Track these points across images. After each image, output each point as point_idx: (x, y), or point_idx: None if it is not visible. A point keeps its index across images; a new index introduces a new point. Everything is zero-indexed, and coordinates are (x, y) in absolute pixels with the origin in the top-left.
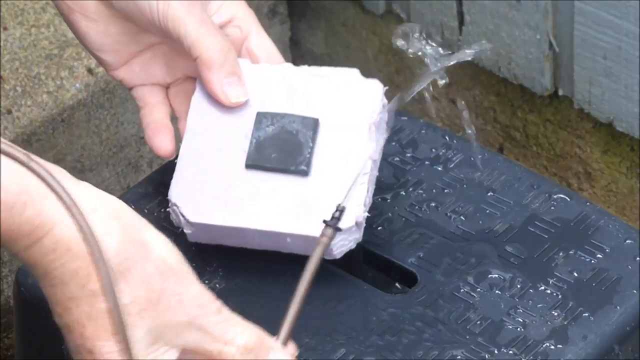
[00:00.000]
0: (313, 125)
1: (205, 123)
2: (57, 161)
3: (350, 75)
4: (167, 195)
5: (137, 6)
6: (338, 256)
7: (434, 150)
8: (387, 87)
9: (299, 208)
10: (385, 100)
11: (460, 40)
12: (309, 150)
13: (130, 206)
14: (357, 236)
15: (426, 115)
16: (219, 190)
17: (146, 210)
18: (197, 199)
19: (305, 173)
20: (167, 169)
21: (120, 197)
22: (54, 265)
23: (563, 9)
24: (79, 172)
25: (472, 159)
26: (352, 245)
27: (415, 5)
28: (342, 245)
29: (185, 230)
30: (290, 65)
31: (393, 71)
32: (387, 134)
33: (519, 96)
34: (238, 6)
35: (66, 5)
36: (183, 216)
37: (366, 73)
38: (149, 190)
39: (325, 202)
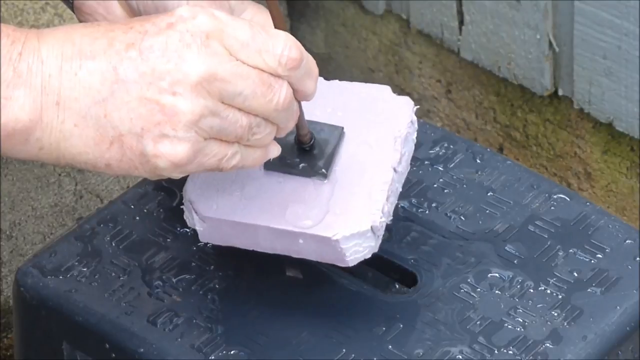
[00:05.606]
0: (338, 133)
1: None
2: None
3: (381, 91)
4: (166, 195)
5: (165, 8)
6: (351, 263)
7: (434, 150)
8: (417, 107)
9: (314, 210)
10: (415, 117)
11: (460, 40)
12: (330, 155)
13: (130, 206)
14: (372, 244)
15: (426, 115)
16: (235, 188)
17: (145, 210)
18: (211, 195)
19: (324, 176)
20: None
21: (120, 197)
22: None
23: (563, 9)
24: (79, 172)
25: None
26: (366, 253)
27: (415, 5)
28: (355, 251)
29: (197, 228)
30: (321, 79)
31: (393, 71)
32: (412, 150)
33: (519, 96)
34: (257, 9)
35: (89, 6)
36: (196, 212)
37: (366, 73)
38: (149, 190)
39: (342, 206)
